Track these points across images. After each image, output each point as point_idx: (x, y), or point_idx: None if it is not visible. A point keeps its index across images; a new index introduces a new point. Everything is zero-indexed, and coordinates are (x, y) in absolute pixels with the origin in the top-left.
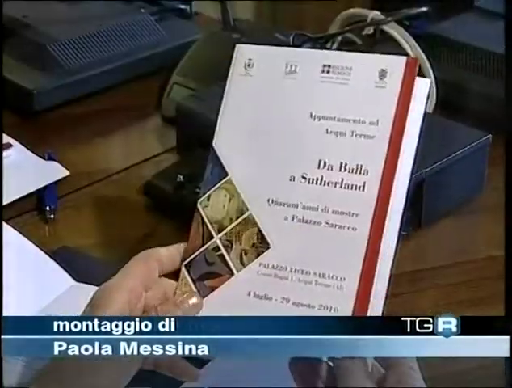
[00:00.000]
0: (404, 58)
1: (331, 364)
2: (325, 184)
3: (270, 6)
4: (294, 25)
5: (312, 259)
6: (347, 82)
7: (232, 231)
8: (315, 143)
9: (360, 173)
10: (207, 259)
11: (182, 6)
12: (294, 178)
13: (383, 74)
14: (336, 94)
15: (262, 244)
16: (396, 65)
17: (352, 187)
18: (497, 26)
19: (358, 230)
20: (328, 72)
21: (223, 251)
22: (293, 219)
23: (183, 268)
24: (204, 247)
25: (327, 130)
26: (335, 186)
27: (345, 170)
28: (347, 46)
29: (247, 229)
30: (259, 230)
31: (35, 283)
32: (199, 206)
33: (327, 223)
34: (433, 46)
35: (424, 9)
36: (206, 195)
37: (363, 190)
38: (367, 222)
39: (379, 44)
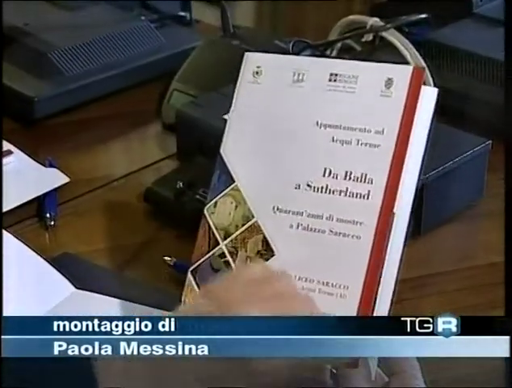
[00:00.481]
0: (410, 68)
1: (334, 371)
2: (330, 193)
3: (270, 13)
4: (294, 32)
5: (316, 267)
6: (353, 91)
7: (238, 238)
8: (321, 151)
9: (365, 182)
10: (212, 266)
11: (182, 14)
12: (299, 186)
13: (389, 83)
14: (342, 102)
15: (266, 251)
16: (402, 74)
17: (357, 196)
18: (496, 32)
19: (362, 239)
20: (335, 80)
21: (228, 258)
22: (298, 227)
23: (189, 274)
24: (210, 254)
25: (333, 138)
26: (340, 194)
27: (350, 178)
28: (347, 53)
29: (252, 236)
30: (264, 238)
31: (36, 290)
32: (205, 212)
33: (331, 231)
34: (432, 53)
35: (423, 15)
36: (213, 201)
37: (368, 198)
38: (371, 231)
39: (379, 50)
